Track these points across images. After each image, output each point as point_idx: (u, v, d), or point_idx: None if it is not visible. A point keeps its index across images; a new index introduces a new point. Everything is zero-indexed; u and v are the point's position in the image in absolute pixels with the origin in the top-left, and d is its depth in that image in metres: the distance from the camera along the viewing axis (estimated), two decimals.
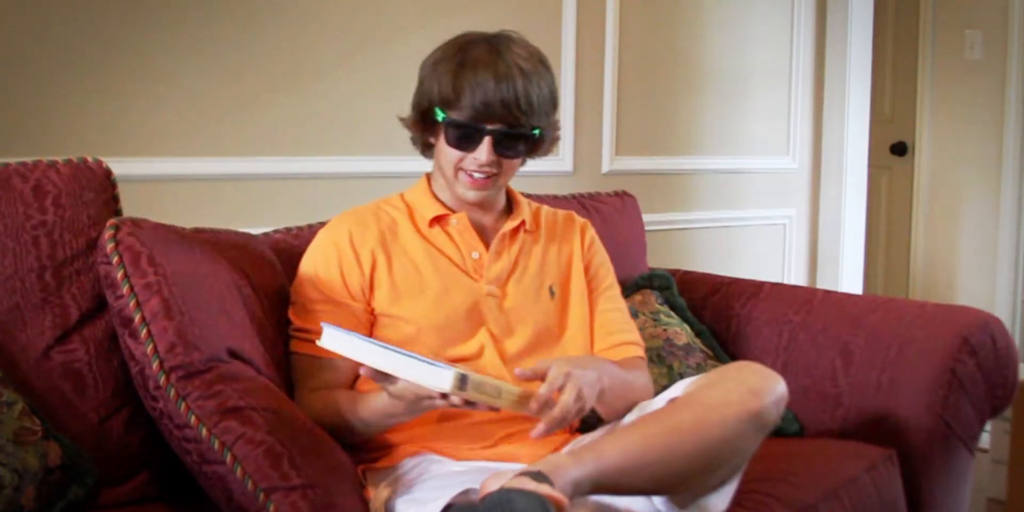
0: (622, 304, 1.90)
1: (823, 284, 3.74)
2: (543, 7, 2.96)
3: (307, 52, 2.53)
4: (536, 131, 1.71)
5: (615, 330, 1.83)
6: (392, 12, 2.66)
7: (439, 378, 1.38)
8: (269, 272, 1.76)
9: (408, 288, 1.72)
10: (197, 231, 1.70)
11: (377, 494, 1.58)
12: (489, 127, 1.66)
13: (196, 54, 2.38)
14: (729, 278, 2.37)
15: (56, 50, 2.21)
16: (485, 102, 1.64)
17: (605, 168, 3.15)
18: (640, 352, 1.85)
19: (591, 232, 1.92)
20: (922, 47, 4.44)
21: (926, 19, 4.42)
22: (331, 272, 1.73)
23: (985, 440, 2.89)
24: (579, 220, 1.93)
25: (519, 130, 1.68)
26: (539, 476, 1.33)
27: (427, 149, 1.79)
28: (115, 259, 1.52)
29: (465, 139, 1.67)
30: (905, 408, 2.00)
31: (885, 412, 2.02)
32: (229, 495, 1.42)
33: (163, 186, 2.33)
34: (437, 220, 1.77)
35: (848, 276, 3.79)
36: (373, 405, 1.56)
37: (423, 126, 1.74)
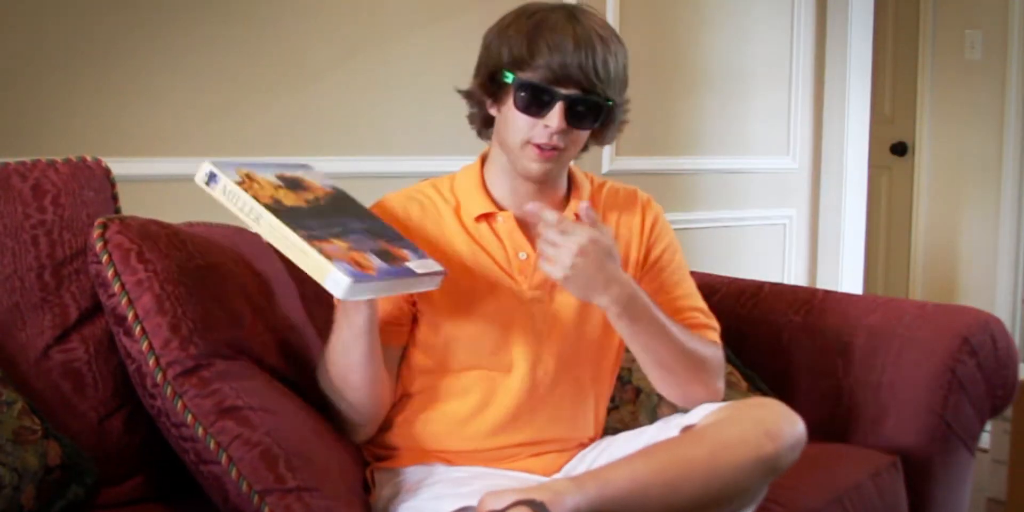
0: (691, 288, 1.77)
1: (823, 284, 3.74)
2: None
3: (307, 52, 2.53)
4: (610, 102, 1.59)
5: (684, 316, 1.71)
6: (391, 12, 2.66)
7: (200, 169, 1.42)
8: (267, 258, 1.73)
9: (447, 289, 1.60)
10: (189, 225, 1.70)
11: (378, 498, 1.57)
12: (563, 91, 1.53)
13: (195, 54, 2.38)
14: (729, 278, 2.37)
15: (56, 50, 2.21)
16: (563, 64, 1.51)
17: (605, 168, 3.15)
18: (713, 336, 1.71)
19: (653, 212, 1.77)
20: (922, 47, 4.44)
21: (926, 19, 4.42)
22: None
23: (985, 440, 2.89)
24: (642, 199, 1.78)
25: (594, 97, 1.55)
26: (539, 507, 1.30)
27: (486, 126, 1.66)
28: (104, 258, 1.51)
29: (536, 103, 1.54)
30: (905, 408, 2.00)
31: (885, 412, 2.02)
32: (225, 496, 1.42)
33: (163, 186, 2.33)
34: (483, 217, 1.65)
35: (848, 276, 3.79)
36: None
37: (488, 90, 1.61)
